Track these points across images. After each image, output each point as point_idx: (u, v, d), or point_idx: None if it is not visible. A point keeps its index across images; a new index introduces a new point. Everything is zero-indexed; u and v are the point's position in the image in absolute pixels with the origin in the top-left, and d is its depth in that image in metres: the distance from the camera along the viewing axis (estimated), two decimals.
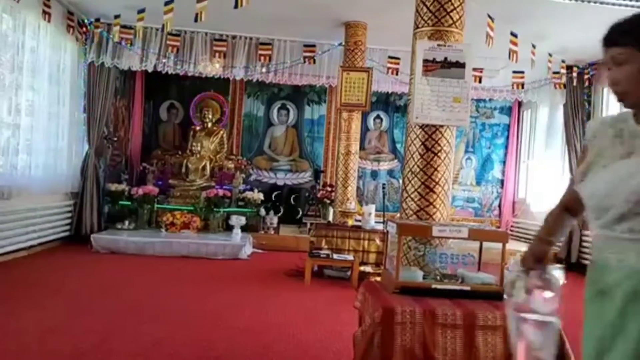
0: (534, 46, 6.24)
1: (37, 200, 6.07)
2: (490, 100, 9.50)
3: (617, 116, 1.42)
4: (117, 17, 6.17)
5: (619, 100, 1.36)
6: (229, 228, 7.28)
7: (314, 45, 7.34)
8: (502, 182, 10.05)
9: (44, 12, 5.85)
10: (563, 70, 7.42)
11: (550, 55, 6.78)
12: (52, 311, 3.79)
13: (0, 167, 5.39)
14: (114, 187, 7.49)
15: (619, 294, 1.26)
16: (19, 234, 5.64)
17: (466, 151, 10.05)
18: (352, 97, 6.71)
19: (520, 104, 9.73)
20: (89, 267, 5.61)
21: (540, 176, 9.01)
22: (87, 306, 3.99)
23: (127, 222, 7.31)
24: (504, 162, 10.05)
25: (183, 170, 8.32)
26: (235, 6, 4.61)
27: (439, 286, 2.60)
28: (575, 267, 7.39)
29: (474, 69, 6.55)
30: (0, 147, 5.40)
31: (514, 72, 7.42)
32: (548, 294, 1.50)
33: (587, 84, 7.61)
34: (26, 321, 3.51)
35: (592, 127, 1.48)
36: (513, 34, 5.89)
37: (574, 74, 7.49)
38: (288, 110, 9.73)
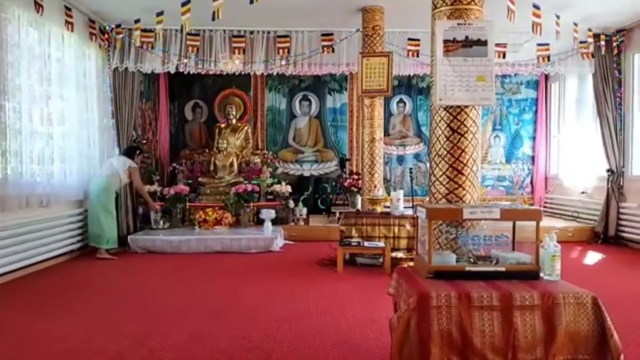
0: (557, 16, 6.05)
1: (73, 206, 6.31)
2: (515, 75, 9.28)
3: None
4: (137, 21, 6.27)
5: None
6: (259, 222, 7.38)
7: (331, 34, 7.29)
8: (532, 158, 9.83)
9: (67, 22, 6.00)
10: (590, 39, 7.18)
11: (575, 24, 6.56)
12: (96, 311, 3.94)
13: (38, 176, 5.58)
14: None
15: None
16: (59, 239, 5.86)
17: (494, 129, 9.87)
18: (373, 82, 6.66)
19: (547, 77, 9.47)
20: (128, 267, 5.79)
21: (572, 150, 8.77)
22: (128, 305, 4.12)
23: (161, 222, 7.49)
24: (534, 138, 9.82)
25: (211, 167, 8.46)
26: (251, 1, 4.63)
27: (473, 268, 2.59)
28: (614, 240, 7.23)
29: (497, 45, 6.39)
30: (37, 157, 5.59)
31: (539, 44, 7.21)
32: None
33: (616, 51, 7.35)
34: (72, 323, 3.65)
35: None
36: (535, 6, 5.72)
37: (602, 42, 7.22)
38: (310, 101, 9.74)
